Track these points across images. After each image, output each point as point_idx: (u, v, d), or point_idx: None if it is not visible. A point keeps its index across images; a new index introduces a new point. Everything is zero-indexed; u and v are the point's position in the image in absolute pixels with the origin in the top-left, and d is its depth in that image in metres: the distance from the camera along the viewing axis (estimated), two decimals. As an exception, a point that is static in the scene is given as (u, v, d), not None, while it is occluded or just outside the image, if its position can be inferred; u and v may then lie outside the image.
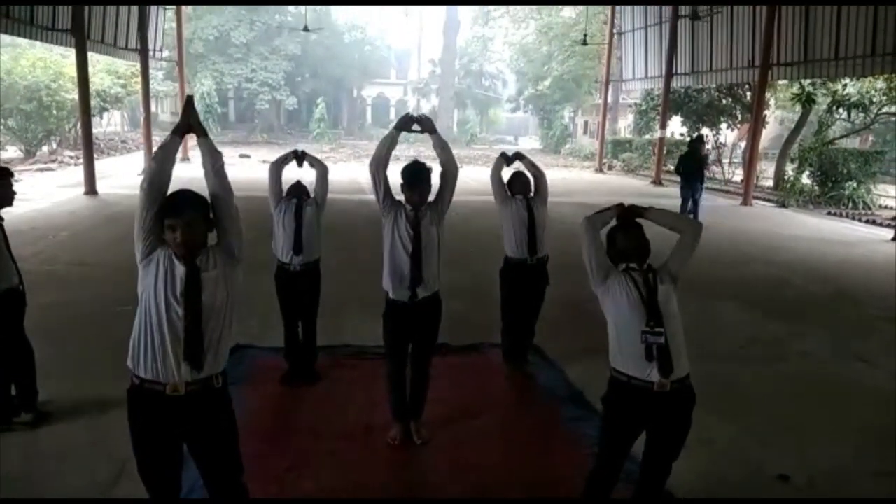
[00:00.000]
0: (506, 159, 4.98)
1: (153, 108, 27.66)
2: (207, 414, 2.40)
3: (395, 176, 3.55)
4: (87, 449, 3.53)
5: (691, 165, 12.01)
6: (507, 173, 4.92)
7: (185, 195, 2.43)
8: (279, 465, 3.40)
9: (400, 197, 3.65)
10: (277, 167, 4.55)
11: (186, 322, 2.31)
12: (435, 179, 3.64)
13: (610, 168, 24.67)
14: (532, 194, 4.76)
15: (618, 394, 2.73)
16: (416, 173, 3.54)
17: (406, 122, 3.64)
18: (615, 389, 2.75)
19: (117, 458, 3.28)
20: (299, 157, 4.67)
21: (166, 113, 41.08)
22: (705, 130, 21.04)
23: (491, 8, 39.84)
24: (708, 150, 20.28)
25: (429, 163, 3.64)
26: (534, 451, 3.71)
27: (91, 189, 12.94)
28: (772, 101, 19.81)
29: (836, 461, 3.74)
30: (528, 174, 4.80)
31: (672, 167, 15.39)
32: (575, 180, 20.50)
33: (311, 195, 4.57)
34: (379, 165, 3.59)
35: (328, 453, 3.59)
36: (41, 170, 17.10)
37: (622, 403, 2.73)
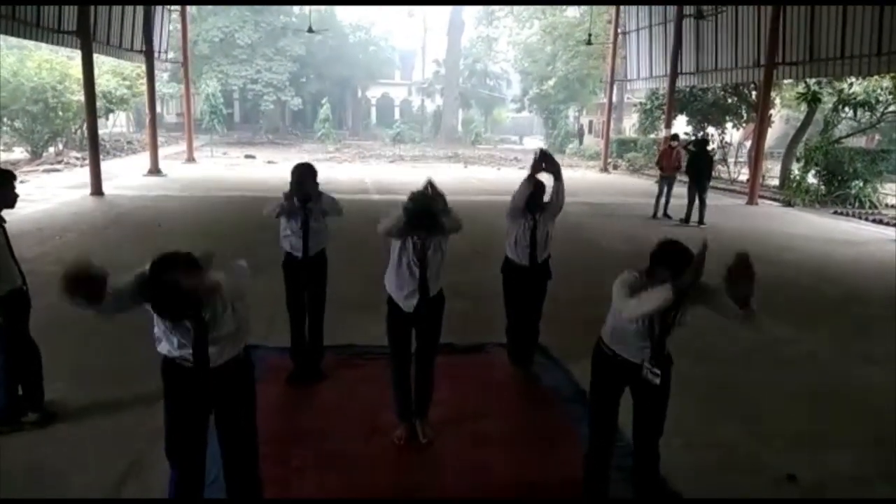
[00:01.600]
0: (538, 164, 4.39)
1: (158, 110, 27.72)
2: (234, 382, 2.61)
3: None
4: (93, 450, 3.53)
5: (699, 166, 12.04)
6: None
7: (171, 289, 2.21)
8: (286, 465, 3.40)
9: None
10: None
11: (198, 367, 2.48)
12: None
13: (615, 168, 24.62)
14: (543, 209, 4.58)
15: (602, 359, 2.92)
16: (421, 219, 3.42)
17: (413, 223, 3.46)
18: (600, 356, 2.93)
19: (123, 460, 3.29)
20: (303, 195, 4.28)
21: (171, 114, 41.23)
22: (710, 130, 21.01)
23: (495, 8, 39.82)
24: (713, 149, 20.31)
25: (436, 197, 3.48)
26: (539, 450, 3.70)
27: (97, 190, 12.99)
28: (777, 101, 19.75)
29: (846, 463, 3.72)
30: (550, 184, 4.52)
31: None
32: (580, 180, 20.45)
33: (319, 194, 4.45)
34: (387, 236, 3.58)
35: (334, 453, 3.59)
36: (47, 171, 17.16)
37: (606, 366, 2.92)
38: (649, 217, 12.57)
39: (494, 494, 3.28)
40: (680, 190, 12.61)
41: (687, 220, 12.09)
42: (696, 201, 12.00)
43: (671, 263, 2.60)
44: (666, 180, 12.60)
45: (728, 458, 3.67)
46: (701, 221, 11.93)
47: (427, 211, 3.41)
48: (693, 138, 16.07)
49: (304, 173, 4.31)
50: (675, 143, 12.95)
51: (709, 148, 13.63)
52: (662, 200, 12.60)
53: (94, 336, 5.27)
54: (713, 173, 13.50)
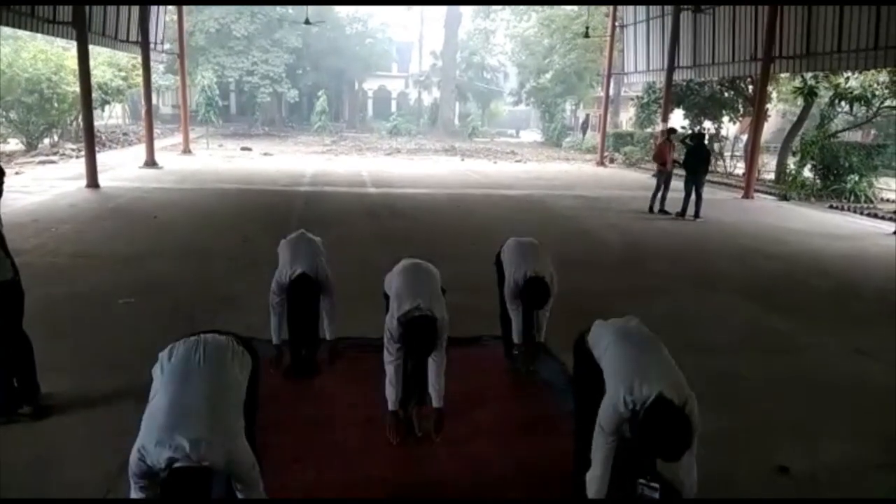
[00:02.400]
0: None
1: (154, 101, 27.64)
2: None
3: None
4: (88, 442, 3.54)
5: (696, 159, 12.10)
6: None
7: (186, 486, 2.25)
8: (283, 456, 3.41)
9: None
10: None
11: None
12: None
13: (611, 161, 24.63)
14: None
15: (584, 355, 3.00)
16: (418, 350, 3.49)
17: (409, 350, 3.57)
18: (582, 352, 3.01)
19: (119, 452, 3.28)
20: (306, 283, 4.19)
21: (167, 106, 41.05)
22: (707, 124, 21.03)
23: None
24: (708, 143, 20.29)
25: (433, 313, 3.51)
26: (534, 442, 3.73)
27: (93, 182, 12.93)
28: (774, 95, 19.77)
29: (838, 454, 3.75)
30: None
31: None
32: (576, 174, 20.48)
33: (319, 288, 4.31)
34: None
35: (331, 444, 3.62)
36: (42, 162, 17.07)
37: (588, 362, 2.95)
38: (646, 211, 12.59)
39: (489, 486, 3.30)
40: (677, 184, 12.63)
41: (683, 213, 12.12)
42: (693, 195, 12.03)
43: (647, 448, 2.54)
44: (664, 175, 12.61)
45: (720, 449, 3.69)
46: (697, 215, 11.97)
47: (423, 347, 3.46)
48: (690, 132, 16.08)
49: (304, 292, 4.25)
50: (672, 137, 13.00)
51: (706, 142, 13.66)
52: (659, 195, 12.62)
53: (91, 327, 5.28)
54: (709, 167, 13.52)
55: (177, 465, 2.23)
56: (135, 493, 2.39)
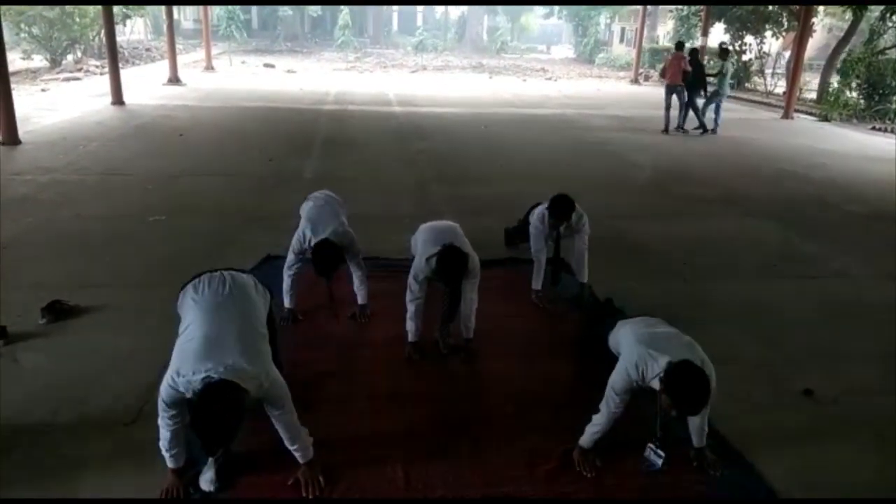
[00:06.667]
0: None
1: (175, 15, 27.05)
2: None
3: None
4: (123, 355, 3.66)
5: (692, 76, 12.07)
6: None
7: (216, 414, 2.22)
8: (317, 371, 3.53)
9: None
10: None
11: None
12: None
13: (646, 79, 23.75)
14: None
15: None
16: (452, 275, 3.49)
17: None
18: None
19: (150, 365, 3.38)
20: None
21: (189, 20, 40.26)
22: (749, 39, 20.06)
23: None
24: (750, 59, 19.47)
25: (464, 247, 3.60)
26: (554, 364, 3.77)
27: (118, 99, 12.89)
28: (820, 8, 18.67)
29: (863, 380, 3.74)
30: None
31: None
32: (609, 92, 19.85)
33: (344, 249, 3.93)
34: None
35: (358, 360, 3.71)
36: (68, 79, 17.02)
37: None
38: (676, 132, 12.24)
39: (509, 402, 3.36)
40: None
41: (704, 128, 12.13)
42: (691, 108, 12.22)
43: (671, 400, 2.54)
44: (682, 91, 12.27)
45: (748, 373, 3.71)
46: (681, 126, 12.23)
47: (454, 271, 3.49)
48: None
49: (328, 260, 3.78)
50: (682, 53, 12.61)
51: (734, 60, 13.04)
52: (674, 113, 12.35)
53: (123, 244, 5.38)
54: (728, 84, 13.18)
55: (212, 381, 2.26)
56: (162, 422, 2.48)
